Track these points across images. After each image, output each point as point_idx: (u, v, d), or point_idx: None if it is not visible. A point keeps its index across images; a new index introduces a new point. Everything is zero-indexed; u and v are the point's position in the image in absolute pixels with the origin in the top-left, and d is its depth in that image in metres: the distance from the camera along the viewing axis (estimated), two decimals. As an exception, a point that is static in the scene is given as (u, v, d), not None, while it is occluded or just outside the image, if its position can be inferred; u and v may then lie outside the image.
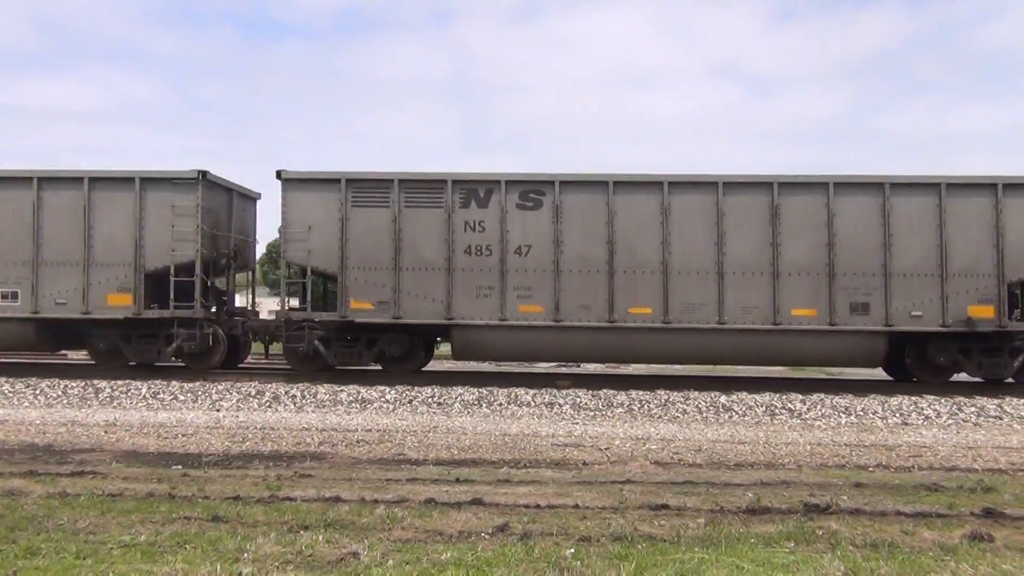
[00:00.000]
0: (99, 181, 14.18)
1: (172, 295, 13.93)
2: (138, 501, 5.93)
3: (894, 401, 12.23)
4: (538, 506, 5.89)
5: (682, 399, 12.34)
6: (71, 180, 14.19)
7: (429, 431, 10.02)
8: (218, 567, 4.34)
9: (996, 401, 12.25)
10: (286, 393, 12.66)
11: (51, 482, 6.59)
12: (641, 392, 12.74)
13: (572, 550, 4.72)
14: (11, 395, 12.69)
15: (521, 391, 12.70)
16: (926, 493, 6.58)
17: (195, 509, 5.68)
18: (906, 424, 11.14)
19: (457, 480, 6.92)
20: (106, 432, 9.79)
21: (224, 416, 11.14)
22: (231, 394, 12.67)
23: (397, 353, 14.12)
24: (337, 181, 13.80)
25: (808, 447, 9.24)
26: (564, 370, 17.95)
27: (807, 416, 11.56)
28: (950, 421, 11.29)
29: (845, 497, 6.29)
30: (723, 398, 12.39)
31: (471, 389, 12.80)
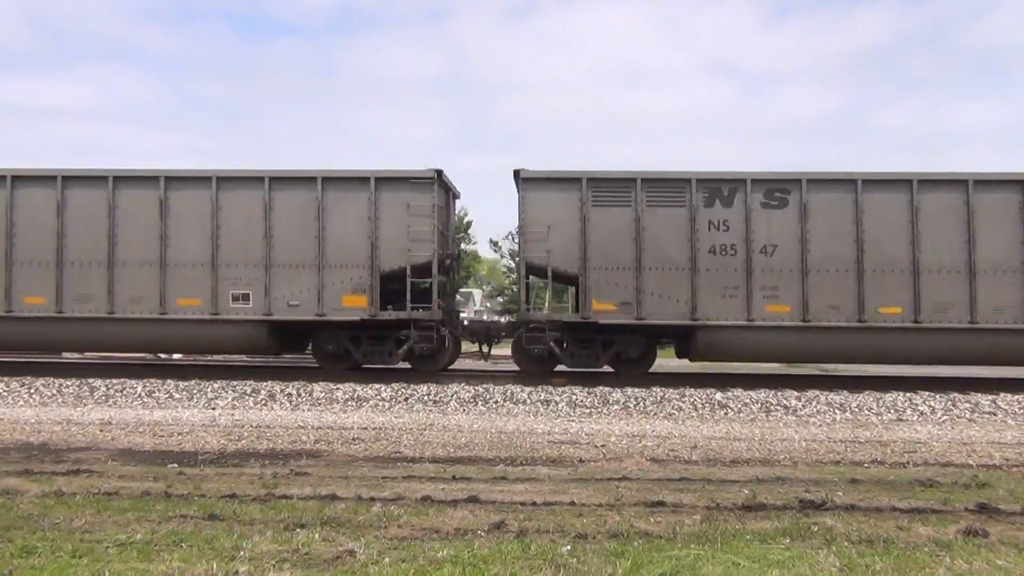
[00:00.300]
0: (332, 181, 13.99)
1: (409, 296, 13.81)
2: (134, 500, 5.91)
3: (889, 398, 12.28)
4: (534, 503, 5.89)
5: (678, 396, 12.36)
6: (303, 180, 14.02)
7: (425, 429, 10.02)
8: (214, 565, 4.33)
9: (990, 397, 12.32)
10: (282, 391, 12.65)
11: (46, 481, 6.56)
12: (637, 389, 12.76)
13: (568, 547, 4.72)
14: (6, 394, 12.66)
15: (517, 388, 12.71)
16: (921, 489, 6.60)
17: (191, 507, 5.66)
18: (901, 420, 11.19)
19: (453, 478, 6.91)
20: (102, 431, 9.77)
21: (220, 414, 11.13)
22: (226, 392, 12.66)
23: (635, 355, 14.16)
24: (577, 180, 13.74)
25: (803, 443, 9.26)
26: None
27: (802, 413, 11.59)
28: (945, 417, 11.34)
29: (840, 493, 6.30)
30: (719, 395, 12.42)
31: (467, 387, 12.81)
